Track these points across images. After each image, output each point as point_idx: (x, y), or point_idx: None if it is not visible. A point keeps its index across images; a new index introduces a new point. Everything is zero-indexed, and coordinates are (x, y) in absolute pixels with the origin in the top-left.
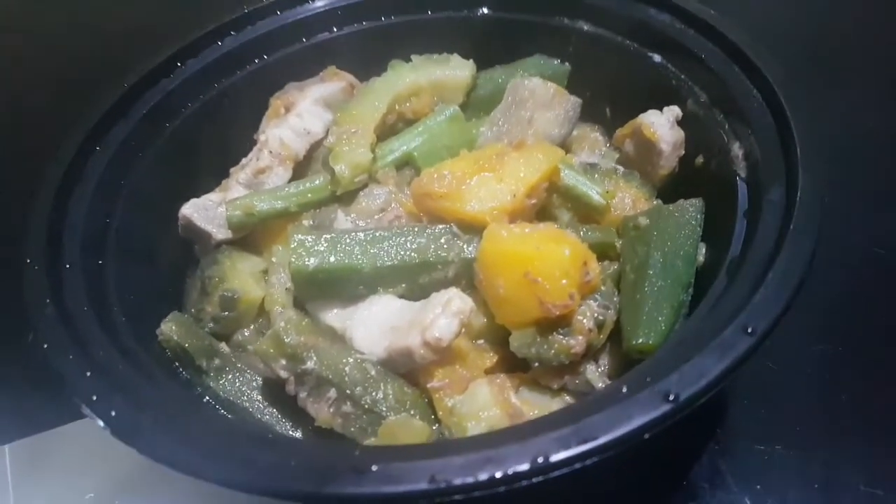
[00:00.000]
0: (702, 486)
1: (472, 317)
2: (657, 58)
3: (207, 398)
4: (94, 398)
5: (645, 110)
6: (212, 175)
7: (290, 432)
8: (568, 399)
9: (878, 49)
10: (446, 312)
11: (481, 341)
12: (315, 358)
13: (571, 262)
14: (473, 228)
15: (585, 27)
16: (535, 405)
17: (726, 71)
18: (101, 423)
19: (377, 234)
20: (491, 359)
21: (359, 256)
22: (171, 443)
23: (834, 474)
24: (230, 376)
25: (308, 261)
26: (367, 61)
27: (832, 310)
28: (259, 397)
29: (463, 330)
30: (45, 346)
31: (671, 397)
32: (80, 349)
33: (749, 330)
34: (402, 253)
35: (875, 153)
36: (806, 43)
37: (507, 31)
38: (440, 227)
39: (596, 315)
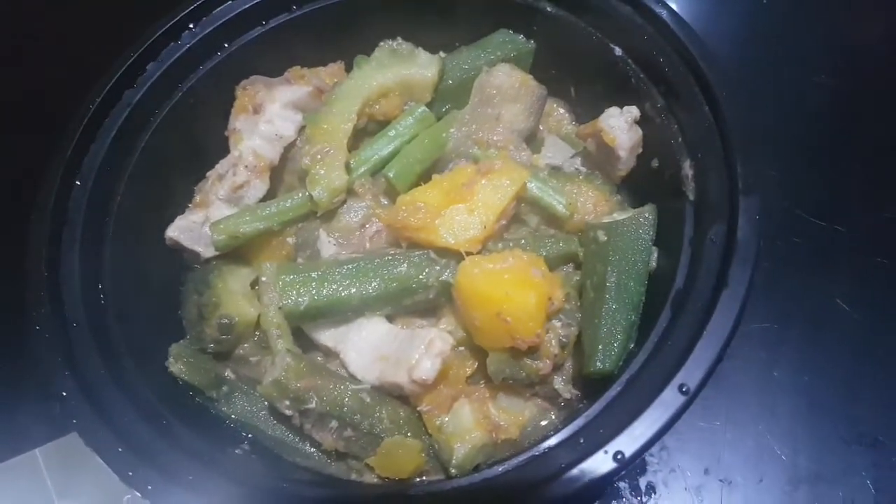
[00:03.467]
0: (650, 460)
1: (454, 330)
2: (618, 51)
3: (226, 422)
4: (130, 474)
5: (607, 96)
6: (188, 176)
7: (299, 445)
8: (539, 402)
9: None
10: (429, 353)
11: (462, 348)
12: (316, 398)
13: (537, 306)
14: (450, 254)
15: (549, 8)
16: (511, 412)
17: (681, 81)
18: (139, 495)
19: (361, 265)
20: (471, 366)
21: (346, 290)
22: None
23: (763, 446)
24: (239, 400)
25: (299, 300)
26: (329, 40)
27: (768, 285)
28: (268, 415)
29: (451, 346)
30: (75, 421)
31: (618, 456)
32: (106, 424)
33: (683, 389)
34: (385, 282)
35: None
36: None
37: (469, 6)
38: (418, 253)
39: (560, 337)
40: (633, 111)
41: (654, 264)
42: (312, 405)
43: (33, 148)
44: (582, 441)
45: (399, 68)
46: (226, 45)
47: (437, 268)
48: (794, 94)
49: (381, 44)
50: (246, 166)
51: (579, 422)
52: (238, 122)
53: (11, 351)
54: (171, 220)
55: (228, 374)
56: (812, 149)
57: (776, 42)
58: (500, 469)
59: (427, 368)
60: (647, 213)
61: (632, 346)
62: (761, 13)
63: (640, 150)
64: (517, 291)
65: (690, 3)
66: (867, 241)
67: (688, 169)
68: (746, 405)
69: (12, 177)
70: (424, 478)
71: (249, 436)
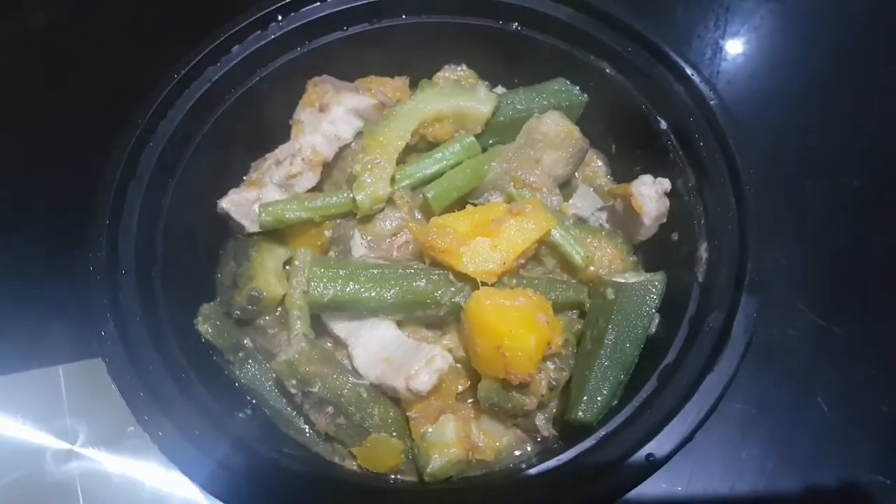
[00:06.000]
0: None
1: (455, 348)
2: (663, 124)
3: (235, 384)
4: (146, 418)
5: (644, 162)
6: (245, 153)
7: (295, 420)
8: (518, 432)
9: None
10: (428, 369)
11: (458, 366)
12: (320, 384)
13: (535, 349)
14: (467, 279)
15: (608, 69)
16: (491, 436)
17: (715, 169)
18: (150, 439)
19: (385, 272)
20: (463, 384)
21: (367, 292)
22: (206, 470)
23: None
24: (251, 367)
25: (324, 292)
26: (400, 55)
27: (757, 369)
28: (273, 387)
29: (449, 366)
30: (107, 360)
31: None
32: (134, 367)
33: (650, 458)
34: (403, 292)
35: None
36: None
37: (534, 50)
38: (438, 272)
39: (551, 380)
40: (664, 184)
41: (653, 330)
42: (315, 389)
43: (117, 106)
44: (549, 482)
45: (458, 99)
46: (306, 42)
47: (453, 289)
48: (822, 191)
49: (446, 66)
50: (303, 159)
51: (550, 463)
52: (303, 114)
53: (60, 273)
54: (225, 189)
55: (247, 341)
56: (828, 247)
57: (816, 137)
58: (470, 487)
59: (424, 381)
60: (658, 281)
61: (615, 403)
62: (807, 107)
63: (664, 221)
64: (520, 331)
65: (738, 85)
66: (861, 349)
67: (703, 251)
68: (710, 477)
69: (95, 130)
70: (399, 476)
71: (253, 401)
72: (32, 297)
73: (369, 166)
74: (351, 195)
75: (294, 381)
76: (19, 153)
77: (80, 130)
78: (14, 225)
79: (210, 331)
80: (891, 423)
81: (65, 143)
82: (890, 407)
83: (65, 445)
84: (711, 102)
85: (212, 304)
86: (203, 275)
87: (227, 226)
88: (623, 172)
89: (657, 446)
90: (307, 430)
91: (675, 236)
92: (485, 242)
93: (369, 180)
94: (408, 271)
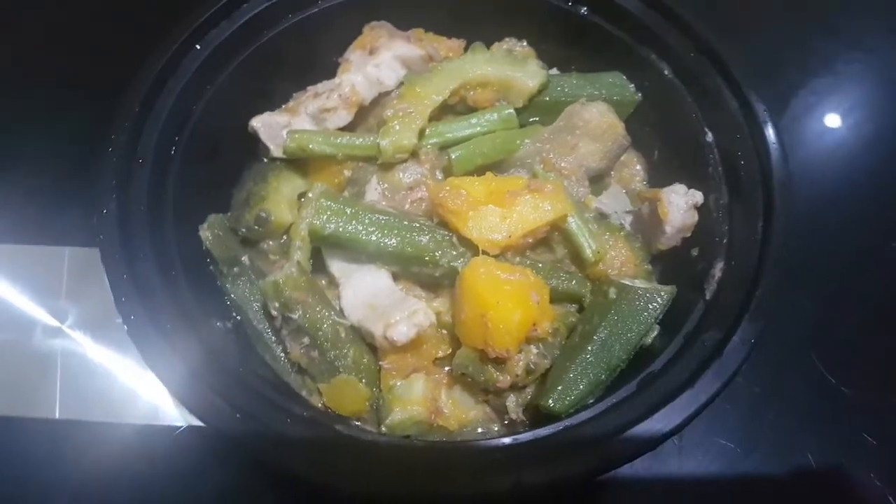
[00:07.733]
0: None
1: (444, 312)
2: (710, 136)
3: (224, 297)
4: (123, 300)
5: (682, 171)
6: (289, 81)
7: (272, 346)
8: (488, 410)
9: None
10: (408, 321)
11: (444, 332)
12: (301, 312)
13: (518, 326)
14: (470, 245)
15: (666, 71)
16: (459, 407)
17: (751, 191)
18: (121, 321)
19: (390, 220)
20: (445, 350)
21: (368, 235)
22: (169, 364)
23: None
24: (243, 284)
25: (326, 226)
26: (464, 16)
27: (752, 410)
28: (259, 309)
29: (430, 324)
30: (101, 237)
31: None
32: (125, 251)
33: (602, 460)
34: (403, 244)
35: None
36: None
37: (598, 37)
38: (443, 233)
39: (531, 363)
40: (696, 196)
41: (649, 341)
42: (295, 316)
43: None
44: (496, 457)
45: (506, 67)
46: None
47: (454, 253)
48: (868, 248)
49: (507, 39)
50: (340, 95)
51: (506, 440)
52: (354, 55)
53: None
54: (261, 111)
55: (245, 259)
56: (860, 307)
57: (875, 193)
58: (421, 443)
59: (401, 332)
60: (664, 293)
61: (591, 401)
62: (872, 162)
63: (688, 235)
64: (507, 304)
65: (804, 124)
66: (865, 415)
67: (717, 270)
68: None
69: (150, 28)
70: (359, 423)
71: (238, 317)
72: (65, 177)
73: (400, 114)
74: (376, 140)
75: (276, 304)
76: (70, 38)
77: (130, 28)
78: (63, 105)
79: (210, 238)
80: (879, 496)
81: (115, 36)
82: (880, 478)
83: (54, 323)
84: (763, 125)
85: (221, 215)
86: (221, 188)
87: (256, 148)
88: (660, 181)
89: (607, 450)
90: (282, 358)
91: (694, 252)
92: (495, 212)
93: (397, 128)
94: (413, 224)
